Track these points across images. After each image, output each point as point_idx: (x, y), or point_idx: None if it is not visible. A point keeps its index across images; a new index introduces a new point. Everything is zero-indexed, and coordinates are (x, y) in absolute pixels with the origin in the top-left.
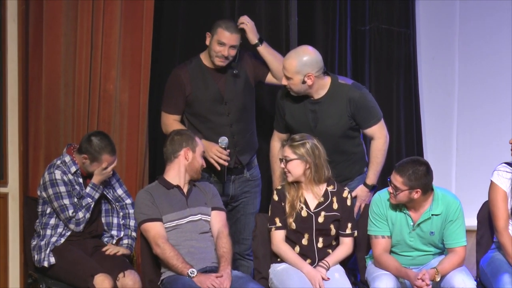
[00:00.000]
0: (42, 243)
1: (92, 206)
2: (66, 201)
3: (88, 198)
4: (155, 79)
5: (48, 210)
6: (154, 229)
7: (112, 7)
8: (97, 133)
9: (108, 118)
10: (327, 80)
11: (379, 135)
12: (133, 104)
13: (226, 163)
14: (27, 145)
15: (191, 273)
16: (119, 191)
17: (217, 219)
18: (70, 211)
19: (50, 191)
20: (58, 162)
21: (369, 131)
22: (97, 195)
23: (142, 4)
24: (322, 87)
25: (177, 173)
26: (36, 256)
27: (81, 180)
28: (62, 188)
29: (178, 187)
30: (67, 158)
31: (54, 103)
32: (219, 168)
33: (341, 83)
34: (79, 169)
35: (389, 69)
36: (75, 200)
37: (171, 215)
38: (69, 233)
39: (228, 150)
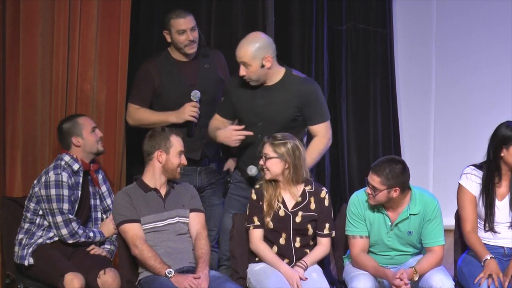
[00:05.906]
0: (31, 241)
1: (91, 240)
2: (66, 206)
3: (98, 235)
4: (132, 78)
5: (41, 212)
6: (132, 230)
7: (88, 7)
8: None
9: None
10: (282, 69)
11: (323, 133)
12: (111, 104)
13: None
14: (4, 145)
15: (168, 273)
16: (108, 201)
17: (196, 221)
18: (70, 216)
19: (53, 191)
20: (63, 163)
21: (315, 128)
22: (103, 239)
23: (119, 4)
24: (276, 73)
25: (152, 175)
26: (19, 252)
27: (80, 180)
28: (66, 192)
29: (155, 190)
30: (67, 158)
31: (31, 103)
32: (196, 120)
33: (294, 74)
34: (81, 166)
35: (366, 68)
36: (71, 206)
37: (149, 217)
38: (56, 238)
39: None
